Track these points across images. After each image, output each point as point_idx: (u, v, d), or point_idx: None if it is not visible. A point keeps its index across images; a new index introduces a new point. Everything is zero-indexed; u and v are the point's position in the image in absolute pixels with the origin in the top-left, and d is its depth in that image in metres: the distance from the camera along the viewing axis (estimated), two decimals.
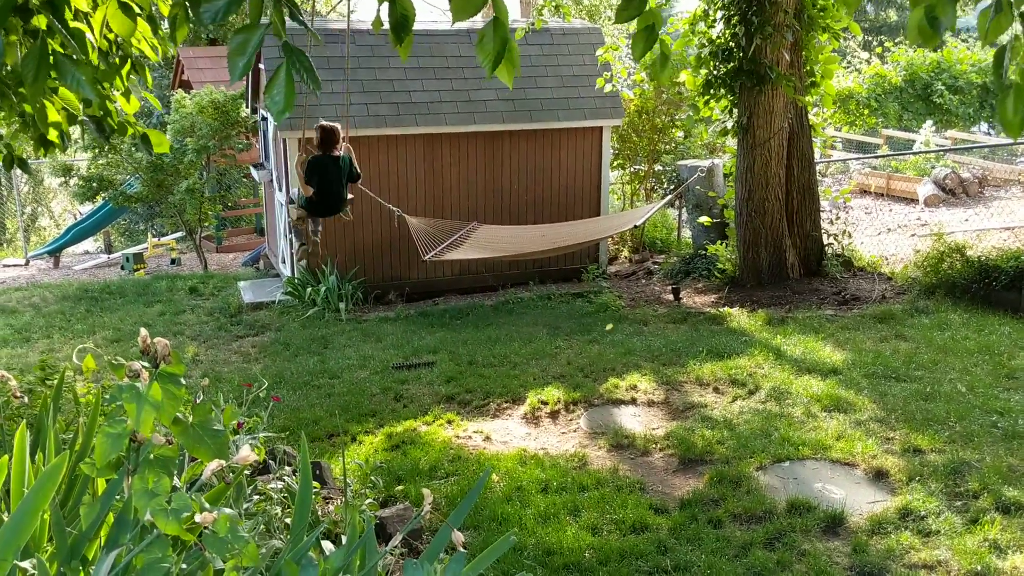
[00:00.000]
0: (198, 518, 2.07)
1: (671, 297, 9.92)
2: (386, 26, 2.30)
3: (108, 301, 11.04)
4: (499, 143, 11.07)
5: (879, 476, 4.93)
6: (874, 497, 4.68)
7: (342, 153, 7.51)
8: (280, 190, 11.05)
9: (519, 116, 10.88)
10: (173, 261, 15.20)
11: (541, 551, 4.01)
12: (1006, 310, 8.15)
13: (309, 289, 10.07)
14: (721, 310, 8.99)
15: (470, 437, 5.94)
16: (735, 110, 9.39)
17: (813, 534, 4.26)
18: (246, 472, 3.31)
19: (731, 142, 10.17)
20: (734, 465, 5.08)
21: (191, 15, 2.56)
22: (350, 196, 7.84)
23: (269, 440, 4.18)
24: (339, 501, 4.51)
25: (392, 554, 3.89)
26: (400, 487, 4.95)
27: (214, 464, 2.20)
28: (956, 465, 4.90)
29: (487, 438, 5.91)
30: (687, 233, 12.28)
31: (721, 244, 10.22)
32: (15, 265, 15.92)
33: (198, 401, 2.50)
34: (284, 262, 11.37)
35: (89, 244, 18.67)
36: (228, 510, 2.15)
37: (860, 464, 5.07)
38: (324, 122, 7.54)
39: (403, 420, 6.22)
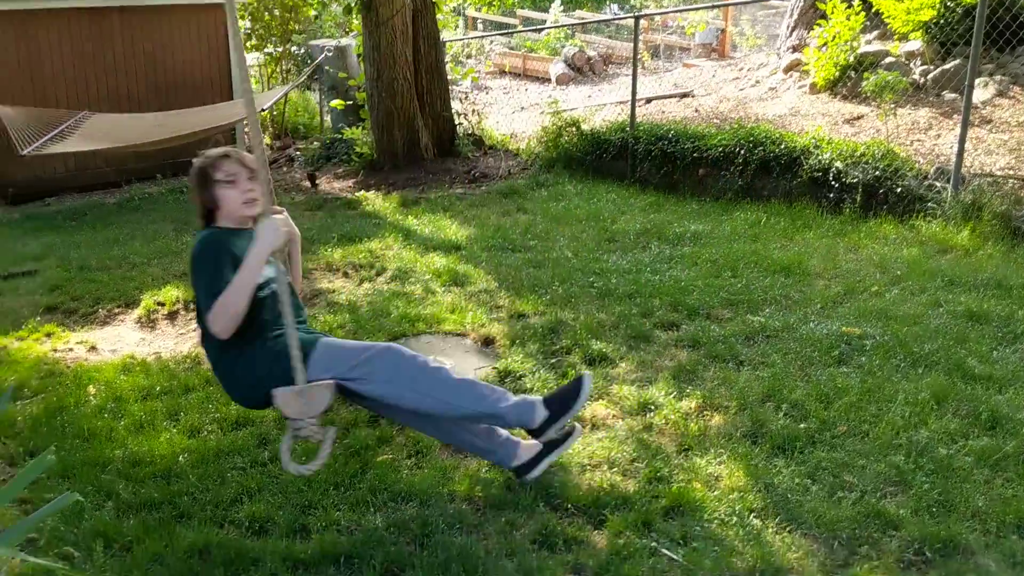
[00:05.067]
0: None
1: (309, 184, 9.69)
2: None
3: None
4: (108, 21, 9.93)
5: (487, 343, 5.20)
6: (480, 363, 4.94)
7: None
8: None
9: None
10: None
11: (128, 463, 3.76)
12: (615, 178, 8.90)
13: None
14: (357, 194, 8.94)
15: (71, 349, 5.42)
16: None
17: None
18: None
19: (357, 21, 9.94)
20: None
21: None
22: None
23: None
24: None
25: None
26: None
27: None
28: (553, 325, 5.28)
29: (92, 348, 5.43)
30: (329, 118, 11.99)
31: (358, 128, 10.09)
32: None
33: None
34: None
35: None
36: None
37: (471, 334, 5.32)
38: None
39: None
